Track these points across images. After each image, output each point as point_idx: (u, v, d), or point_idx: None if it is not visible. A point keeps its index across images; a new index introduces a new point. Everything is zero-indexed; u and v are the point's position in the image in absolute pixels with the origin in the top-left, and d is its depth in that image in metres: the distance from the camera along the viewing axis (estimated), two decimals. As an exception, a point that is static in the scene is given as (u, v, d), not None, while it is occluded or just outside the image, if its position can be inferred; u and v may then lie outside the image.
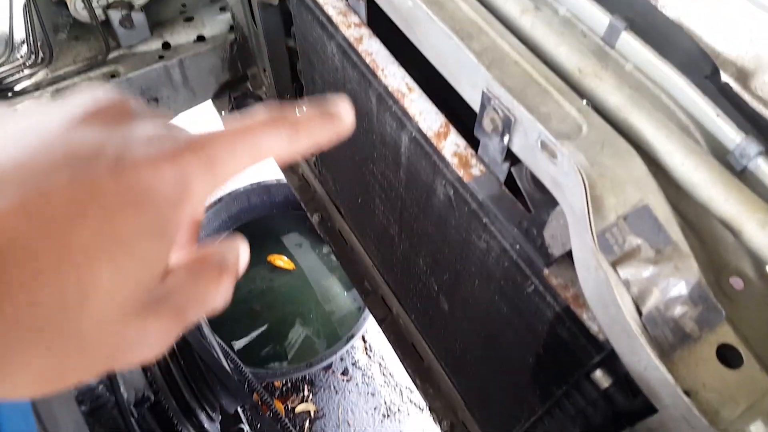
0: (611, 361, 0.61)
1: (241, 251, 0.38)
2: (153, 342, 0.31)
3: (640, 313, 0.55)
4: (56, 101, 0.32)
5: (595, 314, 0.59)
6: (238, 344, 2.52)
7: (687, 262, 0.56)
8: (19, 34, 1.66)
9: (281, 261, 2.73)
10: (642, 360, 0.53)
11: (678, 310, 0.55)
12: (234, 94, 1.88)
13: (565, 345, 0.67)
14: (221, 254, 0.36)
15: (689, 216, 0.65)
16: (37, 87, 1.66)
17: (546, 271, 0.67)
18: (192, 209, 0.31)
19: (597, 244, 0.55)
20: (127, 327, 0.29)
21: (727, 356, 0.52)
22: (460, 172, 0.76)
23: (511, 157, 0.70)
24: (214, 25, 1.82)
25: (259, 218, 2.83)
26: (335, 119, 0.37)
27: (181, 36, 1.79)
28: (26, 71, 1.66)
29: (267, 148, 0.34)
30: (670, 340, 0.55)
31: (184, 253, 0.37)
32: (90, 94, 0.32)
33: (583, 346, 0.64)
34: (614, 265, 0.55)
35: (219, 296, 0.34)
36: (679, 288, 0.56)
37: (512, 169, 0.71)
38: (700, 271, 0.56)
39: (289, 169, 1.96)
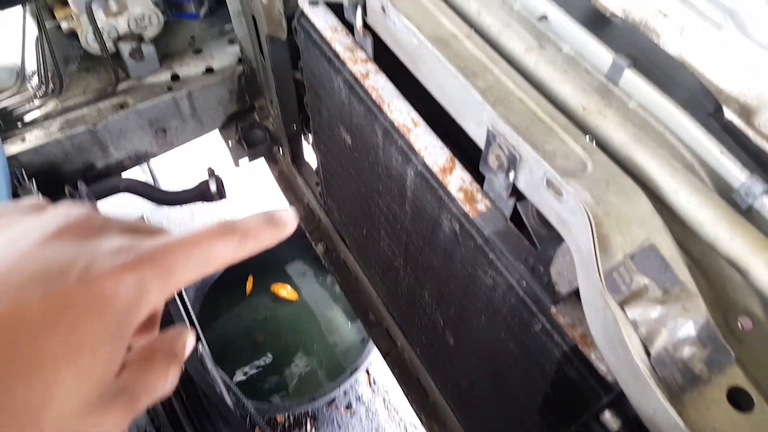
0: (620, 402, 0.60)
1: (188, 341, 0.41)
2: (108, 430, 0.33)
3: (648, 354, 0.55)
4: (35, 213, 0.36)
5: (604, 354, 0.58)
6: (240, 376, 2.50)
7: (695, 303, 0.56)
8: (31, 65, 1.69)
9: (285, 291, 2.72)
10: (651, 402, 0.53)
11: (687, 352, 0.55)
12: (241, 124, 1.90)
13: (574, 385, 0.66)
14: (169, 346, 0.39)
15: (695, 254, 0.65)
16: (46, 117, 1.68)
17: (553, 309, 0.67)
18: (147, 312, 0.35)
19: (605, 284, 0.54)
20: (85, 421, 0.32)
21: (738, 399, 0.51)
22: (466, 207, 0.76)
23: (516, 193, 0.70)
24: (223, 57, 1.84)
25: (263, 246, 2.82)
26: (281, 226, 0.42)
27: (190, 68, 1.82)
28: (36, 102, 1.69)
29: (219, 257, 0.37)
30: (679, 382, 0.54)
31: (139, 339, 0.40)
32: (64, 210, 0.36)
33: (591, 386, 0.63)
34: (622, 305, 0.55)
35: (168, 384, 0.38)
36: (688, 329, 0.55)
37: (518, 205, 0.71)
38: (708, 312, 0.56)
39: (294, 198, 1.96)
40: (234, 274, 2.71)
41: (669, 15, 0.82)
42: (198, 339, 1.50)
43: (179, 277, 0.35)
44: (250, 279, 2.73)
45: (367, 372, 2.64)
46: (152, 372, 0.37)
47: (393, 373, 1.51)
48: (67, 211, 0.36)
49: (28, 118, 1.66)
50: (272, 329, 2.62)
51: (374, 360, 2.57)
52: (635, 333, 0.54)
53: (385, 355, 1.54)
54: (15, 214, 0.36)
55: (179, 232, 0.37)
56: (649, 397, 0.53)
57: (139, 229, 0.39)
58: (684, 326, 0.55)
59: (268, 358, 2.54)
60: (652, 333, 0.55)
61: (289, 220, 0.43)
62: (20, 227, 0.34)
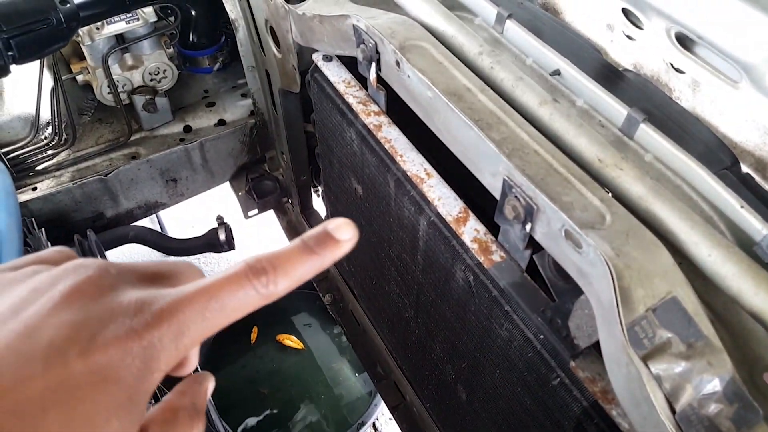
0: (644, 461, 0.58)
1: (209, 389, 0.39)
2: None
3: (673, 410, 0.53)
4: (44, 274, 0.34)
5: (626, 411, 0.56)
6: (244, 429, 2.44)
7: (720, 358, 0.54)
8: (45, 115, 1.72)
9: (290, 341, 2.69)
10: (678, 462, 0.51)
11: (713, 408, 0.53)
12: (251, 175, 1.92)
13: (594, 443, 0.64)
14: (191, 400, 0.37)
15: (717, 308, 0.64)
16: (58, 167, 1.70)
17: (572, 363, 0.65)
18: (161, 376, 0.32)
19: (627, 338, 0.53)
20: None
21: (769, 460, 0.49)
22: (481, 258, 0.76)
23: (532, 245, 0.70)
24: (235, 110, 1.87)
25: (269, 297, 2.80)
26: (326, 249, 0.36)
27: (203, 120, 1.85)
28: (49, 152, 1.71)
29: (241, 306, 0.34)
30: (706, 441, 0.52)
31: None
32: (73, 268, 0.34)
33: (613, 444, 0.61)
34: (645, 359, 0.54)
35: None
36: (713, 385, 0.53)
37: (534, 257, 0.70)
38: (734, 367, 0.54)
39: (303, 249, 1.96)
40: (239, 323, 2.67)
41: (681, 70, 0.83)
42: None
43: (194, 335, 0.33)
44: (255, 330, 2.70)
45: (374, 427, 2.57)
46: None
47: (401, 428, 1.47)
48: (76, 268, 0.34)
49: (40, 167, 1.68)
50: (277, 381, 2.57)
51: (381, 415, 2.51)
52: (659, 389, 0.53)
53: (393, 410, 1.50)
54: (23, 274, 0.34)
55: (200, 279, 0.34)
56: (677, 458, 0.51)
57: (157, 274, 0.37)
58: (710, 382, 0.53)
59: (272, 411, 2.49)
60: (676, 389, 0.53)
61: (344, 234, 0.37)
62: (27, 289, 0.32)
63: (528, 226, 0.66)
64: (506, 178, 0.66)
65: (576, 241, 0.59)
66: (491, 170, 0.70)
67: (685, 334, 0.55)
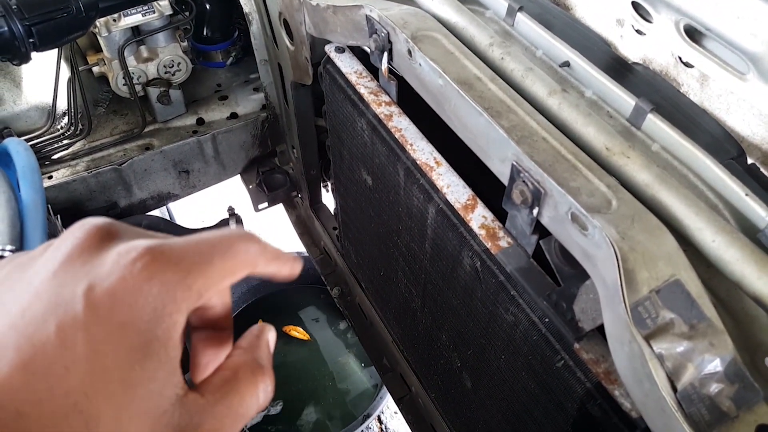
0: (645, 440, 0.59)
1: (271, 340, 0.38)
2: None
3: (674, 389, 0.54)
4: (44, 251, 0.34)
5: (628, 389, 0.57)
6: (250, 422, 2.46)
7: (721, 339, 0.56)
8: (61, 106, 1.74)
9: (296, 332, 2.71)
10: (679, 438, 0.52)
11: (714, 388, 0.54)
12: (262, 168, 1.94)
13: (596, 424, 0.65)
14: (252, 356, 0.35)
15: (720, 294, 0.65)
16: (73, 157, 1.73)
17: (576, 345, 0.66)
18: (181, 319, 0.31)
19: (631, 317, 0.54)
20: None
21: (768, 437, 0.50)
22: (488, 244, 0.77)
23: (539, 230, 0.71)
24: (247, 104, 1.90)
25: (277, 291, 2.83)
26: (287, 265, 0.39)
27: (215, 113, 1.87)
28: (65, 141, 1.73)
29: (244, 260, 0.34)
30: (706, 419, 0.53)
31: (216, 352, 0.37)
32: (70, 233, 0.33)
33: (615, 424, 0.62)
34: (647, 338, 0.55)
35: (257, 402, 0.34)
36: (715, 365, 0.54)
37: (541, 242, 0.71)
38: (735, 349, 0.55)
39: (311, 242, 1.98)
40: (246, 317, 2.71)
41: (690, 64, 0.85)
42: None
43: (204, 277, 0.32)
44: (260, 323, 2.72)
45: (379, 420, 2.59)
46: (238, 395, 0.33)
47: (406, 419, 1.48)
48: (73, 232, 0.33)
49: (55, 156, 1.71)
50: (283, 375, 2.59)
51: (386, 408, 2.53)
52: (661, 367, 0.54)
53: (399, 402, 1.52)
54: (41, 249, 0.34)
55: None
56: (677, 433, 0.52)
57: (157, 235, 0.36)
58: (711, 362, 0.54)
59: (278, 405, 2.51)
60: (678, 368, 0.54)
61: (294, 266, 0.39)
62: (31, 271, 0.32)
63: (535, 211, 0.67)
64: (515, 163, 0.68)
65: (582, 224, 0.61)
66: (500, 156, 0.71)
67: (688, 316, 0.56)
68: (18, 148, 0.77)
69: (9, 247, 0.64)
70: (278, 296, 2.83)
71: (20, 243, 0.66)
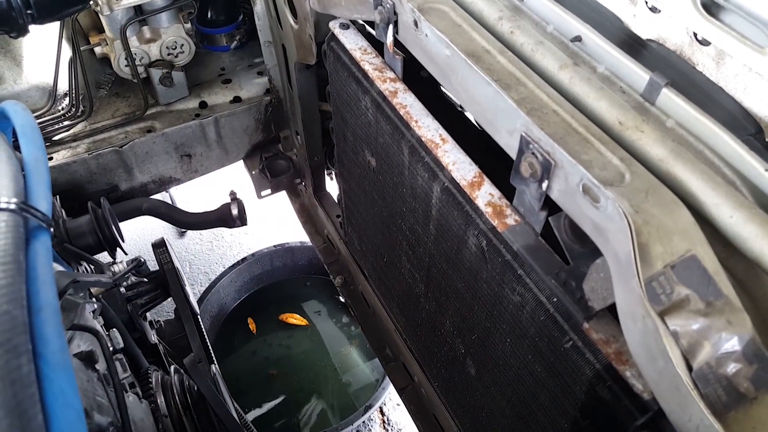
0: (657, 423, 0.56)
1: None
2: None
3: (690, 368, 0.51)
4: None
5: (641, 368, 0.55)
6: (253, 415, 2.45)
7: (739, 317, 0.53)
8: (63, 87, 1.72)
9: (294, 319, 2.70)
10: (693, 418, 0.49)
11: (731, 368, 0.51)
12: (265, 154, 1.91)
13: (606, 407, 0.62)
14: None
15: (738, 273, 0.62)
16: (74, 138, 1.71)
17: (586, 325, 0.64)
18: None
19: (645, 292, 0.51)
20: None
21: (790, 419, 0.48)
22: (495, 222, 0.74)
23: (548, 206, 0.68)
24: (251, 87, 1.87)
25: (280, 282, 2.81)
26: None
27: (218, 96, 1.84)
28: (66, 123, 1.71)
29: None
30: (723, 400, 0.50)
31: None
32: None
33: (625, 407, 0.59)
34: (662, 315, 0.52)
35: None
36: (732, 344, 0.52)
37: (550, 219, 0.68)
38: (754, 329, 0.53)
39: (314, 230, 1.95)
40: (247, 308, 2.71)
41: (706, 41, 0.81)
42: (211, 361, 1.47)
43: None
44: (251, 321, 2.71)
45: (381, 411, 2.57)
46: None
47: (409, 409, 1.46)
48: None
49: (56, 137, 1.68)
50: (286, 367, 2.58)
51: (389, 400, 2.51)
52: (676, 344, 0.51)
53: (401, 392, 1.49)
54: None
55: None
56: (691, 413, 0.49)
57: None
58: (729, 341, 0.51)
59: (280, 398, 2.50)
60: (694, 346, 0.51)
61: None
62: None
63: (545, 184, 0.64)
64: (524, 134, 0.65)
65: (594, 196, 0.58)
66: (508, 128, 0.68)
67: (704, 292, 0.53)
68: (15, 108, 0.75)
69: (14, 200, 0.63)
70: (281, 286, 2.81)
71: (25, 197, 0.66)
